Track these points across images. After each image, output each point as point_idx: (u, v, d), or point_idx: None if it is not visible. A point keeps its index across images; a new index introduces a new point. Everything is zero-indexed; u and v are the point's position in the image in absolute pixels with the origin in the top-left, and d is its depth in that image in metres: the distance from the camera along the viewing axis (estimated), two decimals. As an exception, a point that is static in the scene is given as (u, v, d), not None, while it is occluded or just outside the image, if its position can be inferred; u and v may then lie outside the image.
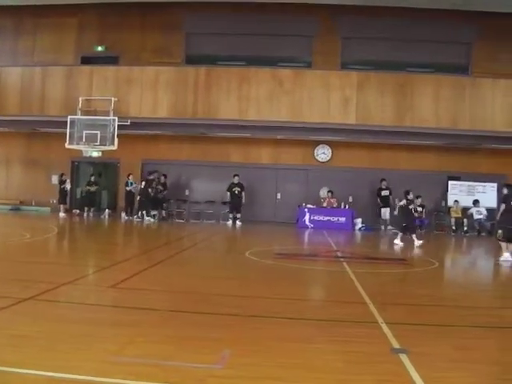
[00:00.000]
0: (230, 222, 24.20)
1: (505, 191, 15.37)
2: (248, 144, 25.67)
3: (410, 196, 18.10)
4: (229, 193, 24.23)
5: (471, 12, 24.47)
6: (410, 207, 18.14)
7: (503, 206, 15.06)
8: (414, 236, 17.61)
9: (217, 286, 9.03)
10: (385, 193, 24.33)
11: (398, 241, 17.66)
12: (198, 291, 8.57)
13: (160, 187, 24.64)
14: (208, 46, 26.28)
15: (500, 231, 14.89)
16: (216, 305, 7.58)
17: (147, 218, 24.06)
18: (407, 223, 18.01)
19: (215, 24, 25.52)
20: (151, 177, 24.76)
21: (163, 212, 25.10)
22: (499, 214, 15.25)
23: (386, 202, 24.27)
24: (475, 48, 25.77)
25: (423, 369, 5.02)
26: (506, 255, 14.34)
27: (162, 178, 24.96)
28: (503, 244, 14.65)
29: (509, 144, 23.70)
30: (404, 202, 18.04)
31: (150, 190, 24.28)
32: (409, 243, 17.27)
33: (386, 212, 24.32)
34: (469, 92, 23.47)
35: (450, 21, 24.86)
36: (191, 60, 25.89)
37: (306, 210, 24.00)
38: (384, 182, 24.33)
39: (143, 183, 24.49)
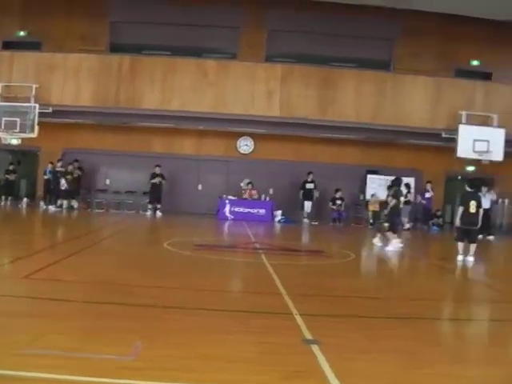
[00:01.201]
0: (149, 213, 24.02)
1: (393, 187, 15.93)
2: (171, 134, 25.48)
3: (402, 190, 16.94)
4: (150, 183, 24.00)
5: (394, 9, 24.94)
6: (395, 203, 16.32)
7: (394, 202, 15.58)
8: (393, 235, 16.13)
9: (133, 277, 8.96)
10: (309, 186, 24.52)
11: (376, 240, 16.55)
12: (113, 282, 8.49)
13: (69, 176, 24.09)
14: (133, 35, 25.89)
15: (386, 225, 15.89)
16: (132, 296, 7.52)
17: (54, 208, 23.71)
18: (391, 221, 16.49)
19: (141, 13, 25.21)
20: (59, 164, 24.27)
21: (75, 201, 24.52)
22: (388, 209, 15.83)
23: (309, 195, 24.50)
24: (397, 45, 26.33)
25: (334, 359, 5.12)
26: (389, 244, 15.43)
27: (70, 167, 24.37)
28: (390, 234, 15.63)
29: (425, 140, 24.31)
30: (390, 198, 16.33)
31: (61, 179, 23.85)
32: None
33: (308, 205, 24.56)
34: (389, 88, 24.03)
35: (374, 17, 25.29)
36: (116, 48, 25.50)
37: (226, 201, 24.05)
38: (311, 175, 24.52)
39: (49, 171, 24.09)
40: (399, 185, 15.89)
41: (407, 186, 17.43)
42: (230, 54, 26.33)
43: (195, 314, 6.73)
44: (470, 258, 13.73)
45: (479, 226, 14.15)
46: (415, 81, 24.36)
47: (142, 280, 8.74)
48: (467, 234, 14.04)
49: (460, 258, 13.74)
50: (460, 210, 14.31)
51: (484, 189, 22.34)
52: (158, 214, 23.80)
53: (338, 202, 24.63)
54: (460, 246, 14.00)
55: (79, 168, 24.55)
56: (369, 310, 7.63)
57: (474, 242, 13.96)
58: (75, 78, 23.17)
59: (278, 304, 7.44)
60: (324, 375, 4.76)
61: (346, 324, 6.73)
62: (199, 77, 23.45)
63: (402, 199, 16.16)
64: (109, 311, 6.59)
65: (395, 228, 16.18)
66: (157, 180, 23.90)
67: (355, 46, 26.13)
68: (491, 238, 21.87)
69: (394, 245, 15.40)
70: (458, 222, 14.27)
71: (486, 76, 26.70)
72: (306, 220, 24.46)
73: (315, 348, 5.47)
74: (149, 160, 24.38)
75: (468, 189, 14.45)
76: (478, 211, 13.96)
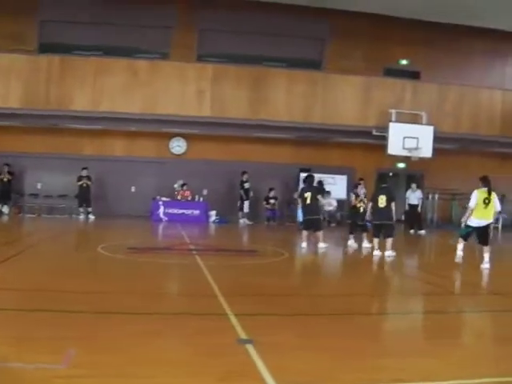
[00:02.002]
0: (82, 217, 23.64)
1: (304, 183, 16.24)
2: (102, 136, 25.04)
3: (359, 190, 16.76)
4: (78, 186, 23.62)
5: (324, 9, 25.30)
6: (356, 202, 16.48)
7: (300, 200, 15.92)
8: (364, 235, 16.19)
9: (66, 283, 8.80)
10: (247, 185, 24.55)
11: (351, 242, 16.20)
12: (45, 289, 8.31)
13: None
14: (63, 35, 25.30)
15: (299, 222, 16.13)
16: (64, 302, 7.37)
17: None
18: (353, 221, 16.60)
19: (71, 12, 24.70)
20: None
21: (6, 207, 23.85)
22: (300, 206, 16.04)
23: (247, 194, 24.54)
24: (328, 45, 26.71)
25: (269, 358, 5.15)
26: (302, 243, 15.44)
27: None
28: (304, 232, 15.71)
29: (356, 138, 24.68)
30: (353, 197, 16.70)
31: None
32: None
33: (247, 204, 24.58)
34: (321, 87, 24.27)
35: (305, 17, 25.60)
36: (45, 48, 24.86)
37: (160, 203, 23.87)
38: (245, 175, 24.55)
39: None
40: (312, 182, 15.94)
41: (320, 183, 17.71)
42: (161, 54, 26.14)
43: (129, 319, 6.65)
44: (388, 253, 13.79)
45: (393, 220, 14.26)
46: (346, 80, 24.70)
47: (75, 286, 8.57)
48: (380, 228, 14.19)
49: (376, 253, 13.93)
50: (369, 205, 14.65)
51: (413, 185, 22.93)
52: (91, 217, 23.44)
53: (272, 201, 24.75)
54: (375, 241, 14.19)
55: (9, 172, 23.95)
56: (302, 308, 7.74)
57: (389, 237, 14.01)
58: (4, 78, 22.60)
59: (212, 305, 7.45)
60: (259, 374, 4.78)
61: (280, 322, 6.80)
62: (130, 77, 23.21)
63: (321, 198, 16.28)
64: (41, 319, 6.45)
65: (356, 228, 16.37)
66: (83, 182, 23.54)
67: (287, 45, 26.37)
68: (422, 232, 22.34)
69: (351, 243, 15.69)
70: (368, 217, 14.68)
71: (414, 75, 27.29)
72: (240, 220, 24.49)
73: (250, 347, 5.49)
74: (80, 163, 23.91)
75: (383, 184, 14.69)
76: (388, 206, 14.01)
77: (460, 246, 12.51)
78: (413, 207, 22.65)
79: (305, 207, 15.63)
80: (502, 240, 22.44)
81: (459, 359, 5.64)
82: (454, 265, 12.35)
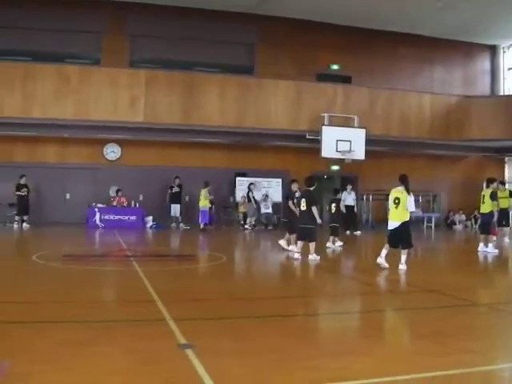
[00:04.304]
0: (16, 225, 23.12)
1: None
2: (34, 143, 24.56)
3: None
4: (17, 195, 23.07)
5: (253, 15, 25.52)
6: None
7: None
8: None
9: None
10: (176, 190, 24.50)
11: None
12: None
13: None
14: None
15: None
16: (-2, 313, 7.26)
17: None
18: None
19: (-1, 17, 24.24)
20: None
21: None
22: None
23: (176, 198, 24.48)
24: (258, 50, 26.93)
25: (209, 363, 5.18)
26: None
27: None
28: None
29: (290, 142, 24.91)
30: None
31: None
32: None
33: (176, 208, 24.52)
34: (253, 92, 24.38)
35: (235, 23, 25.73)
36: (-29, 55, 24.34)
37: (96, 209, 23.57)
38: (177, 180, 24.52)
39: None
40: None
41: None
42: (92, 60, 25.85)
43: (64, 328, 6.55)
44: (311, 257, 13.66)
45: (312, 224, 13.88)
46: (277, 85, 24.88)
47: (8, 296, 8.40)
48: (303, 232, 14.01)
49: (296, 256, 13.75)
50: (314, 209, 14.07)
51: (349, 187, 23.28)
52: (25, 225, 22.95)
53: (209, 205, 24.71)
54: (299, 244, 13.96)
55: None
56: (240, 311, 7.81)
57: (310, 241, 13.80)
58: None
59: (150, 311, 7.45)
60: (200, 379, 4.81)
61: (218, 326, 6.85)
62: (61, 83, 22.81)
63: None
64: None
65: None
66: (23, 191, 23.06)
67: (218, 51, 26.52)
68: (358, 233, 22.68)
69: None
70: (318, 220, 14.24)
71: (345, 79, 27.74)
72: (177, 224, 24.41)
73: (190, 352, 5.51)
74: (12, 170, 23.44)
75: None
76: (308, 209, 13.84)
77: (383, 251, 12.37)
78: (349, 208, 22.90)
79: None
80: (434, 238, 22.94)
81: (394, 356, 5.79)
82: (388, 265, 12.56)
